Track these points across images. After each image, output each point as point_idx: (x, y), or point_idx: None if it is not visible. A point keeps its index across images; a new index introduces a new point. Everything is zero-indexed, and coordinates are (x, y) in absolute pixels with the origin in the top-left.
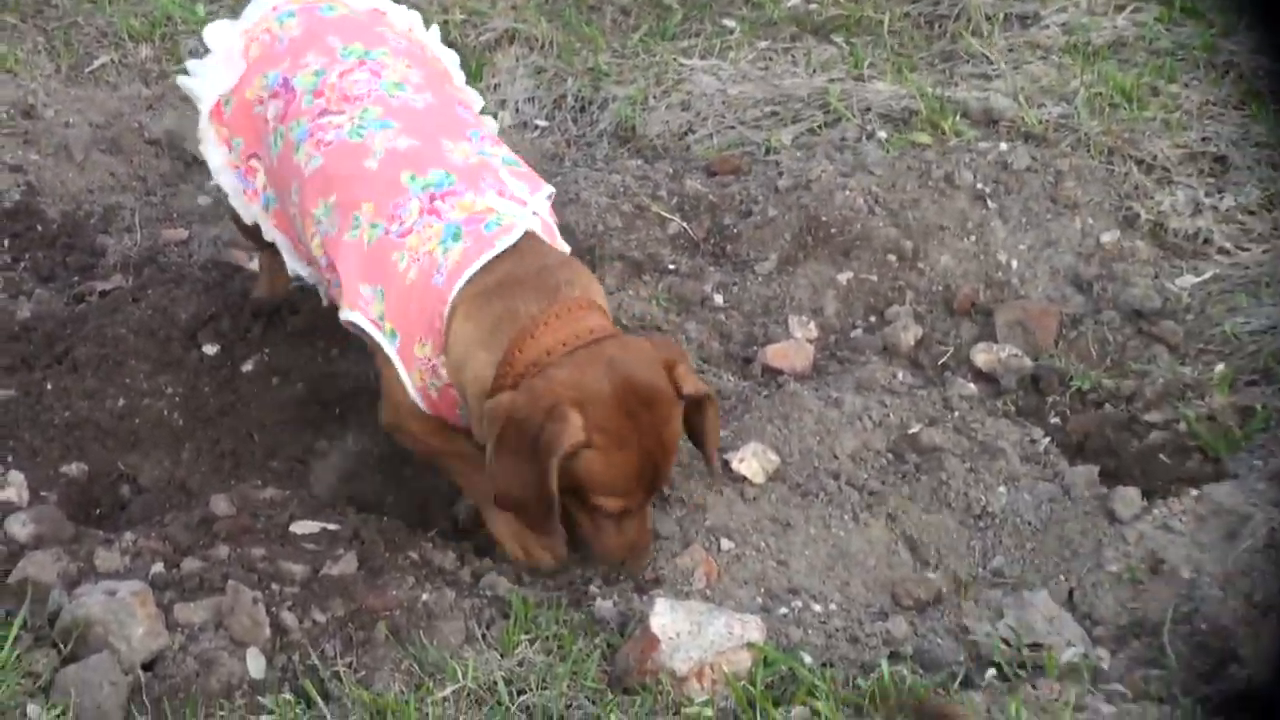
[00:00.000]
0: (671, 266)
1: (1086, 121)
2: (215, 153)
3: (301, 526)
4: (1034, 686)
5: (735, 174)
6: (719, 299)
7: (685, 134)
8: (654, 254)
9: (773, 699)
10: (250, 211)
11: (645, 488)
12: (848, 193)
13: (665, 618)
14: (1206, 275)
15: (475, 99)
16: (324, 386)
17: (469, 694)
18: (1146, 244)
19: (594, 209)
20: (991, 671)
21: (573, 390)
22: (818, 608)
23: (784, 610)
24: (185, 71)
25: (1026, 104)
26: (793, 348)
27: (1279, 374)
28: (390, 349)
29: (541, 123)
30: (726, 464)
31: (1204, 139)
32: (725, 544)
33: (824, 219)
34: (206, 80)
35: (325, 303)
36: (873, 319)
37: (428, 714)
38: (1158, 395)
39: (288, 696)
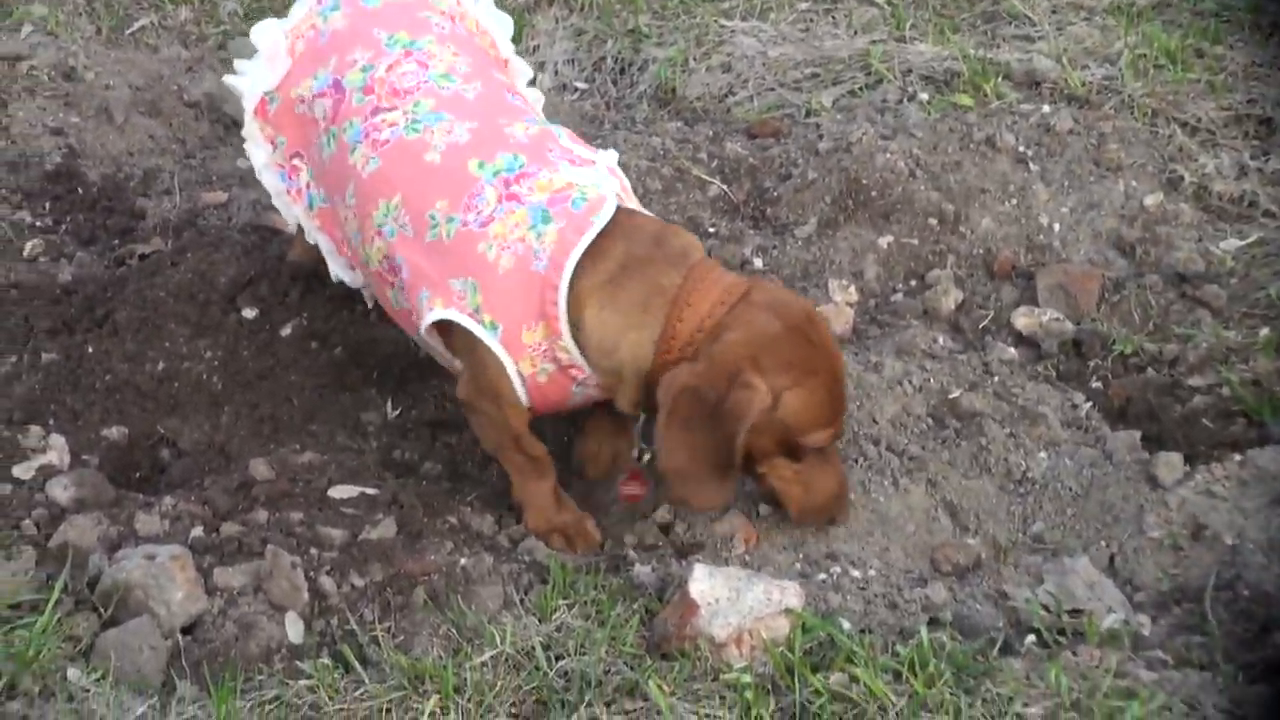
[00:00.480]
0: (711, 230)
1: (1130, 83)
2: (258, 151)
3: (340, 491)
4: (1074, 653)
5: (775, 136)
6: (759, 262)
7: (725, 96)
8: (694, 217)
9: (811, 665)
10: (292, 213)
11: (841, 409)
12: (888, 155)
13: (704, 583)
14: (1251, 239)
15: (524, 69)
16: (363, 351)
17: (507, 659)
18: (1190, 207)
19: (634, 172)
20: (1031, 638)
21: (751, 348)
22: (856, 573)
23: (822, 576)
24: (232, 63)
25: (1069, 65)
26: (832, 312)
27: None
28: (492, 341)
29: (581, 85)
30: None
31: (1249, 101)
32: (764, 509)
33: (864, 182)
34: (251, 78)
35: (370, 305)
36: (913, 283)
37: (465, 679)
38: (1200, 359)
39: (326, 661)
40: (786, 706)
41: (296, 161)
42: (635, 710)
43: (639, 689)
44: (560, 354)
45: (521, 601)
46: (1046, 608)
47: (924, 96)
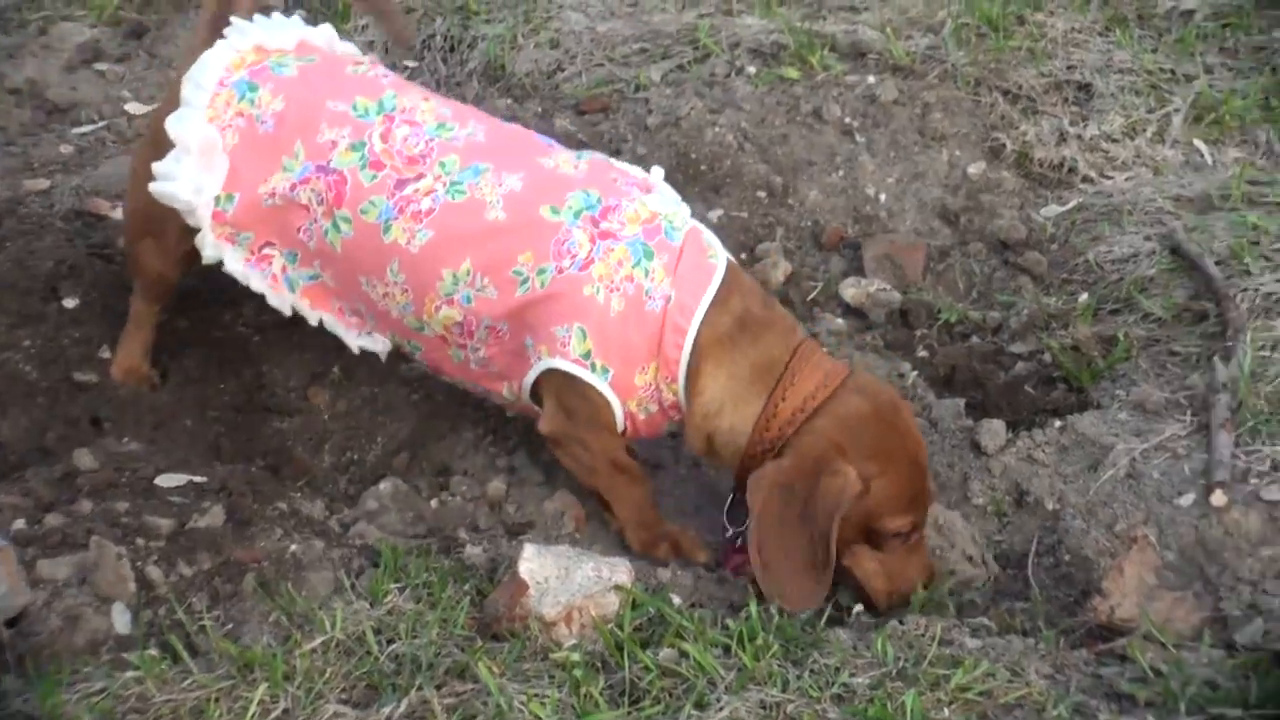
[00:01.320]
0: None
1: (953, 52)
2: (232, 255)
3: (167, 480)
4: (900, 622)
5: (604, 112)
6: None
7: (554, 72)
8: None
9: (641, 641)
10: (283, 300)
11: (925, 498)
12: (717, 129)
13: (534, 563)
14: (1070, 205)
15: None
16: (194, 337)
17: (338, 644)
18: (1012, 175)
19: None
20: (858, 607)
21: (838, 436)
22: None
23: None
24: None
25: (894, 36)
26: None
27: (1141, 303)
28: (603, 386)
29: (410, 63)
30: None
31: (1069, 67)
32: None
33: (694, 156)
34: (191, 184)
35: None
36: (743, 255)
37: (295, 666)
38: (1023, 326)
39: (154, 652)
40: (616, 683)
41: (267, 250)
42: (465, 692)
43: (469, 670)
44: (667, 394)
45: (352, 586)
46: None
47: (751, 70)
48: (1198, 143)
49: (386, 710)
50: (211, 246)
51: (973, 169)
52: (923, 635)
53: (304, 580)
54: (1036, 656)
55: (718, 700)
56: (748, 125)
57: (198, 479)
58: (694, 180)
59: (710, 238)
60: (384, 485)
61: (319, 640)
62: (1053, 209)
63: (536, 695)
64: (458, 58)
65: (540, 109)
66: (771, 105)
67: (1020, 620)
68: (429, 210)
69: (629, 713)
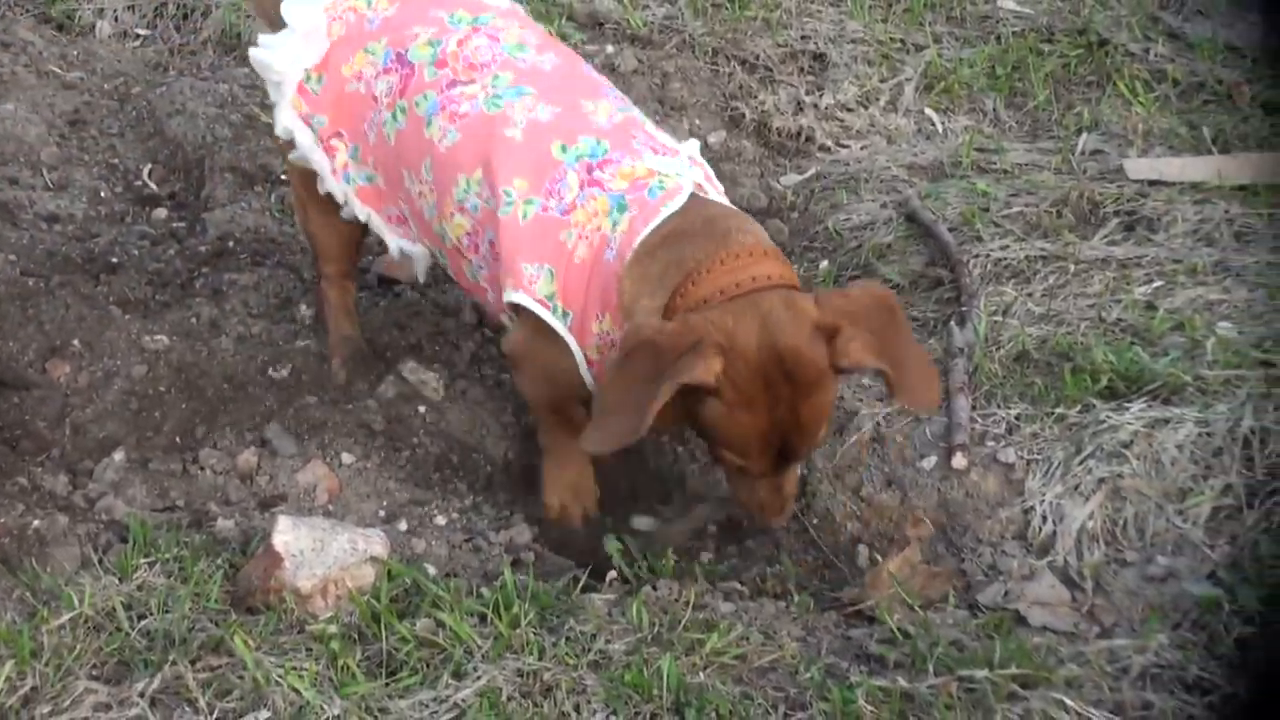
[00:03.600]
0: (283, 177)
1: (691, 22)
2: (301, 129)
3: None
4: (654, 588)
5: None
6: None
7: None
8: (265, 165)
9: (398, 612)
10: (340, 189)
11: (771, 457)
12: None
13: (288, 535)
14: (809, 173)
15: None
16: None
17: (86, 620)
18: (752, 144)
19: (202, 120)
20: (612, 573)
21: (721, 335)
22: (440, 520)
23: (405, 524)
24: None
25: (630, 6)
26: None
27: (879, 269)
28: (562, 328)
29: (143, 31)
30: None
31: (803, 37)
32: (346, 458)
33: None
34: (286, 55)
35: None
36: None
37: (43, 642)
38: None
39: None
40: (374, 654)
41: (335, 142)
42: (220, 666)
43: (224, 645)
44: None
45: (100, 562)
46: (623, 544)
47: None
48: (929, 111)
49: (140, 686)
50: (288, 119)
51: (713, 138)
52: (677, 600)
53: (48, 556)
54: (789, 619)
55: (475, 669)
56: None
57: None
58: None
59: (686, 191)
60: (118, 455)
61: (66, 616)
62: (792, 177)
63: (294, 668)
64: (191, 25)
65: None
66: None
67: (771, 585)
68: (464, 114)
69: (387, 684)
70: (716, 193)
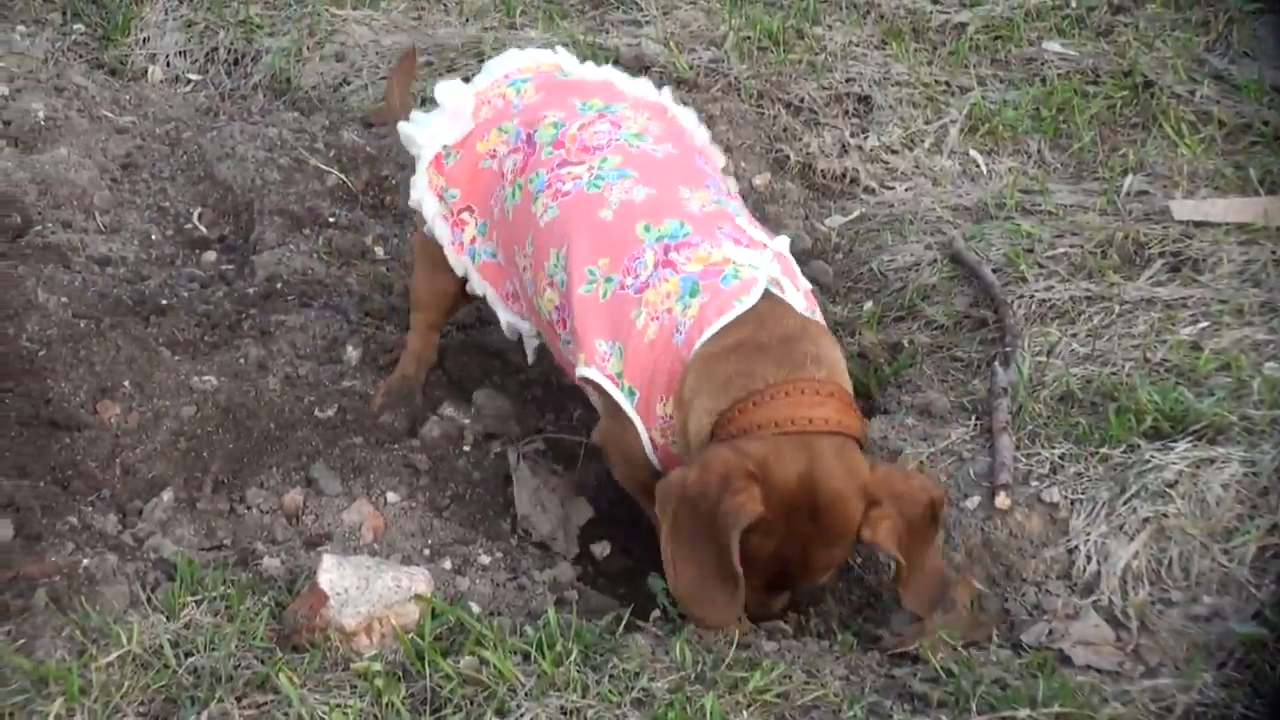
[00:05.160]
0: (331, 219)
1: (736, 66)
2: (429, 201)
3: None
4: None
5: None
6: (380, 251)
7: (340, 85)
8: (313, 207)
9: (441, 650)
10: (460, 262)
11: (767, 577)
12: None
13: (333, 573)
14: (854, 215)
15: (718, 155)
16: None
17: (134, 658)
18: (797, 185)
19: (251, 163)
20: (656, 612)
21: (754, 465)
22: (484, 559)
23: (449, 562)
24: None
25: (677, 49)
26: None
27: (924, 310)
28: (628, 407)
29: (194, 76)
30: None
31: (848, 80)
32: (391, 497)
33: None
34: (431, 131)
35: (531, 359)
36: None
37: (92, 680)
38: None
39: None
40: (418, 692)
41: (465, 215)
42: (266, 703)
43: (269, 682)
44: None
45: (149, 600)
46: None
47: None
48: (973, 153)
49: None
50: (420, 190)
51: (758, 180)
52: (720, 639)
53: (98, 595)
54: (832, 658)
55: (518, 707)
56: None
57: None
58: None
59: (760, 286)
60: (166, 495)
61: (115, 654)
62: (836, 219)
63: (339, 705)
64: (242, 71)
65: (328, 122)
66: None
67: (815, 623)
68: (566, 192)
69: None
70: (795, 291)
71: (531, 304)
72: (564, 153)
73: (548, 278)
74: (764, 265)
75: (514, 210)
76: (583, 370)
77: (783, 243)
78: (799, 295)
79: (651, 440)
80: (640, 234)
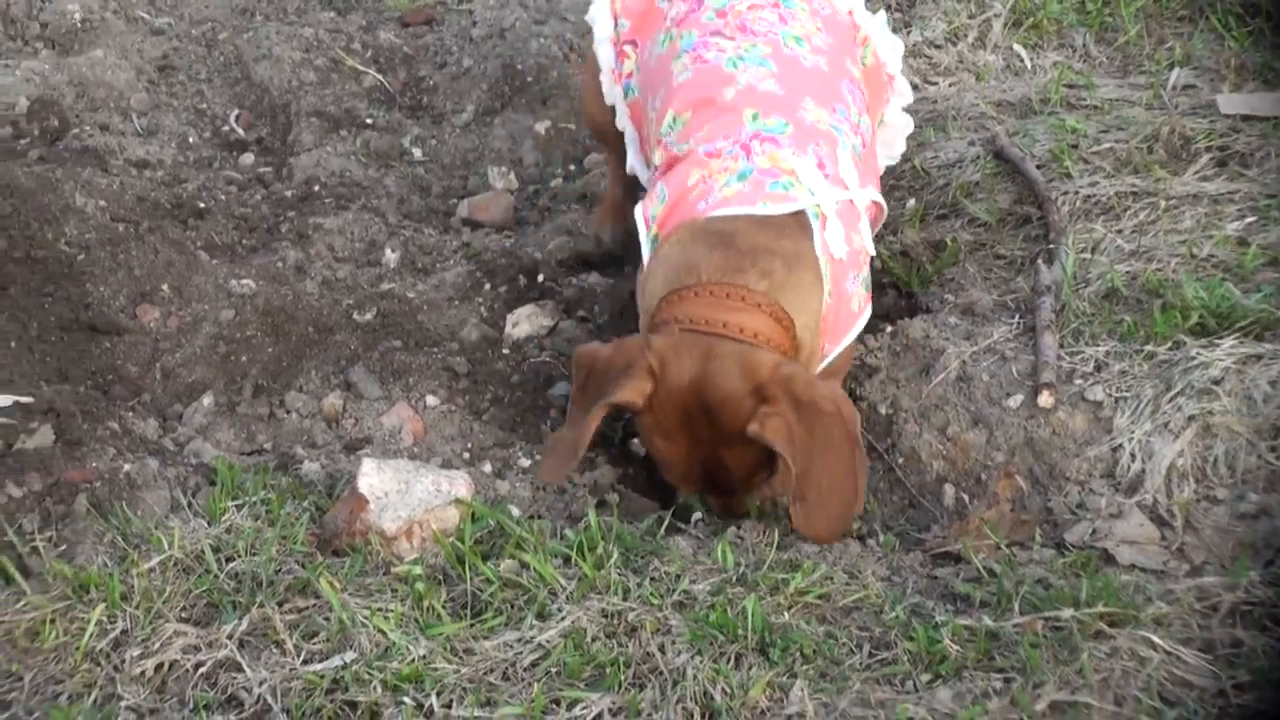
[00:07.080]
0: (369, 121)
1: None
2: (603, 22)
3: None
4: (739, 528)
5: (429, 24)
6: (417, 152)
7: None
8: (350, 109)
9: (481, 554)
10: (613, 92)
11: (697, 485)
12: (542, 40)
13: (373, 478)
14: None
15: (905, 91)
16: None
17: (176, 563)
18: None
19: (287, 64)
20: (697, 514)
21: (656, 361)
22: (524, 461)
23: (489, 465)
24: None
25: None
26: (492, 199)
27: (967, 208)
28: (646, 249)
29: None
30: None
31: None
32: (431, 401)
33: (520, 68)
34: None
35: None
36: (571, 167)
37: (133, 585)
38: None
39: None
40: (458, 596)
41: (628, 49)
42: (307, 608)
43: (310, 586)
44: None
45: (189, 505)
46: None
47: None
48: (1017, 47)
49: (228, 628)
50: (598, 7)
51: None
52: (761, 541)
53: (139, 500)
54: (873, 559)
55: (559, 610)
56: (573, 36)
57: (24, 399)
58: (520, 92)
59: (794, 205)
60: (206, 399)
61: (156, 559)
62: None
63: (379, 610)
64: None
65: (364, 21)
66: None
67: (857, 524)
68: (706, 60)
69: (472, 625)
70: (839, 238)
71: (648, 155)
72: (722, 23)
73: (659, 135)
74: (820, 194)
75: (657, 59)
76: (636, 209)
77: (865, 195)
78: (841, 243)
79: None
80: (745, 120)
